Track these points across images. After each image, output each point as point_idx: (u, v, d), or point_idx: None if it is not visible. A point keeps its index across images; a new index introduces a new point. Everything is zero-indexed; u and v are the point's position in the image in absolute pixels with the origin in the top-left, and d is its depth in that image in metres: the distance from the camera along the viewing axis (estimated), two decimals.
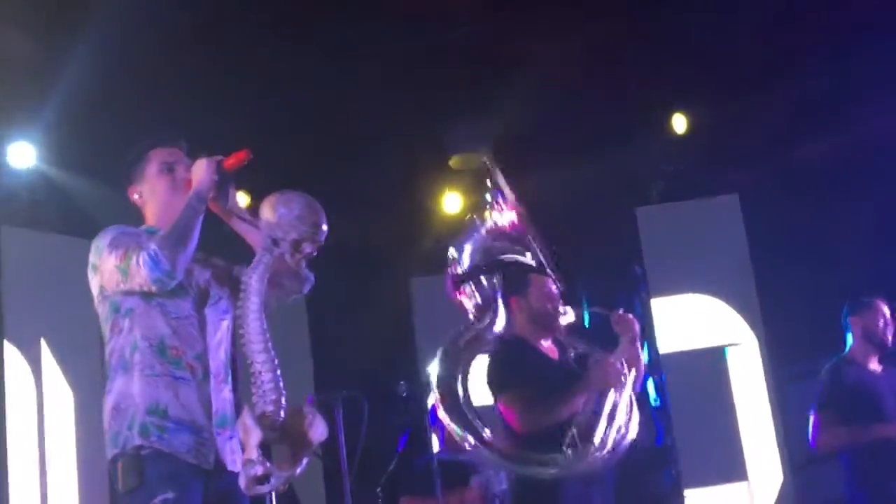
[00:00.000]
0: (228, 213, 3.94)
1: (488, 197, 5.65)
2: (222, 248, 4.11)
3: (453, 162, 9.32)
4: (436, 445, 7.02)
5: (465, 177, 9.60)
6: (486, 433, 5.39)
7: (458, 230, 9.81)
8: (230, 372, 4.00)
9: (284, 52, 7.82)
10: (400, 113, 8.57)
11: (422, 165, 9.34)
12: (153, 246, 3.72)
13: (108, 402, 3.85)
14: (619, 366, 5.34)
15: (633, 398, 5.42)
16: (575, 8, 7.93)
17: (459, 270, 5.66)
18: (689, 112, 9.14)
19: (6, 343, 8.00)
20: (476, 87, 8.68)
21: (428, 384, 7.34)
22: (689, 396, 8.86)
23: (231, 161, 3.85)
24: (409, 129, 8.69)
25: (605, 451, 5.24)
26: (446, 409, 5.51)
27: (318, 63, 7.99)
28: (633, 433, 5.36)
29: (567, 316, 5.55)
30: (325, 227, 3.67)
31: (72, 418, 8.26)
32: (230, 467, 3.85)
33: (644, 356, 5.54)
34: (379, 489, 7.59)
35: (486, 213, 5.63)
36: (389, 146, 8.73)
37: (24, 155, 8.22)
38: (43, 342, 8.23)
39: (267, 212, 3.65)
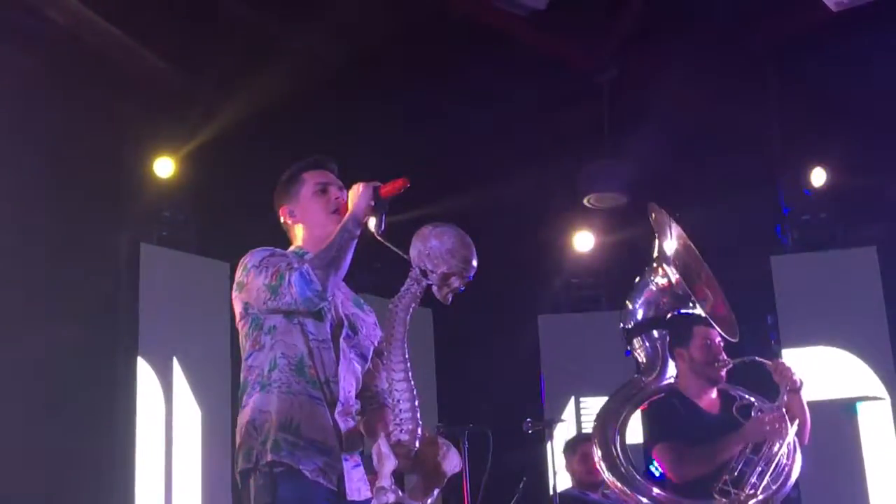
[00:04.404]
0: (379, 240, 3.95)
1: (655, 253, 5.71)
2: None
3: (587, 201, 9.30)
4: (561, 482, 7.01)
5: (596, 216, 9.60)
6: (642, 483, 5.46)
7: (588, 269, 10.06)
8: (357, 404, 4.01)
9: (423, 91, 7.94)
10: (534, 152, 8.63)
11: (553, 204, 9.35)
12: (306, 265, 3.76)
13: (244, 418, 3.86)
14: (777, 416, 5.28)
15: (796, 447, 5.36)
16: (717, 58, 7.94)
17: (630, 325, 5.79)
18: (828, 164, 9.01)
19: (140, 359, 8.15)
20: (612, 130, 8.73)
21: (551, 422, 7.38)
22: (818, 449, 8.63)
23: (388, 188, 3.85)
24: (543, 167, 8.72)
25: (757, 501, 5.19)
26: (603, 460, 5.59)
27: (455, 102, 8.10)
28: (791, 481, 5.31)
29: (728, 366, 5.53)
30: (475, 263, 3.62)
31: (199, 435, 8.39)
32: (352, 495, 3.84)
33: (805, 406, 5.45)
34: None
35: (656, 269, 5.71)
36: (522, 184, 8.76)
37: (166, 169, 8.38)
38: (175, 360, 8.37)
39: (418, 242, 3.61)
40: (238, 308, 4.00)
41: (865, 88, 7.94)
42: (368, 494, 3.90)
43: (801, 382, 5.43)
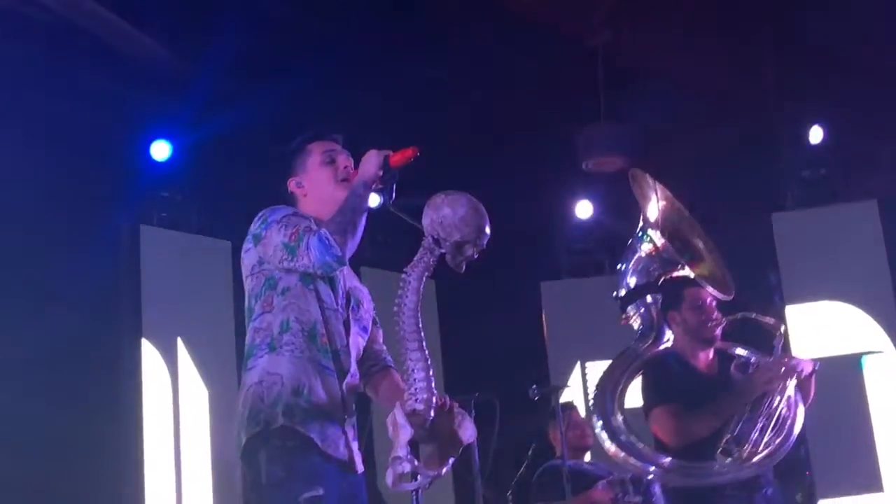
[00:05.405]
0: (389, 209, 3.91)
1: (641, 219, 5.73)
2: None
3: (586, 166, 9.28)
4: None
5: (596, 180, 9.58)
6: (645, 449, 5.47)
7: (590, 233, 10.06)
8: (357, 374, 3.97)
9: (419, 61, 7.91)
10: (531, 119, 8.60)
11: (554, 170, 9.33)
12: (323, 229, 3.70)
13: (251, 379, 3.77)
14: (774, 371, 5.27)
15: (798, 400, 5.37)
16: (712, 16, 7.91)
17: (622, 293, 5.80)
18: (827, 119, 8.99)
19: (144, 341, 8.15)
20: (608, 94, 8.71)
21: (557, 387, 7.36)
22: (824, 405, 8.61)
23: (397, 157, 3.81)
24: (543, 133, 8.70)
25: (761, 456, 5.20)
26: (605, 431, 5.61)
27: (454, 71, 8.07)
28: (794, 435, 5.33)
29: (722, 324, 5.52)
30: (488, 231, 3.57)
31: (206, 414, 8.39)
32: (356, 467, 3.84)
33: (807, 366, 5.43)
34: (509, 493, 7.57)
35: (644, 235, 5.70)
36: (522, 150, 8.74)
37: (163, 152, 8.40)
38: (179, 340, 8.37)
39: (431, 211, 3.56)
40: (250, 261, 3.91)
41: (863, 42, 7.91)
42: (363, 467, 3.90)
43: (811, 368, 5.41)
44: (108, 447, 7.64)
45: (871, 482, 8.64)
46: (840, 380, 8.72)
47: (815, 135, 9.10)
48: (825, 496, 8.66)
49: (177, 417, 8.26)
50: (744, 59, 8.38)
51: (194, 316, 8.45)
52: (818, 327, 8.90)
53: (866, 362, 8.88)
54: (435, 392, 3.55)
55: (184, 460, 8.21)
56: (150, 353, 8.19)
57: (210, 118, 8.03)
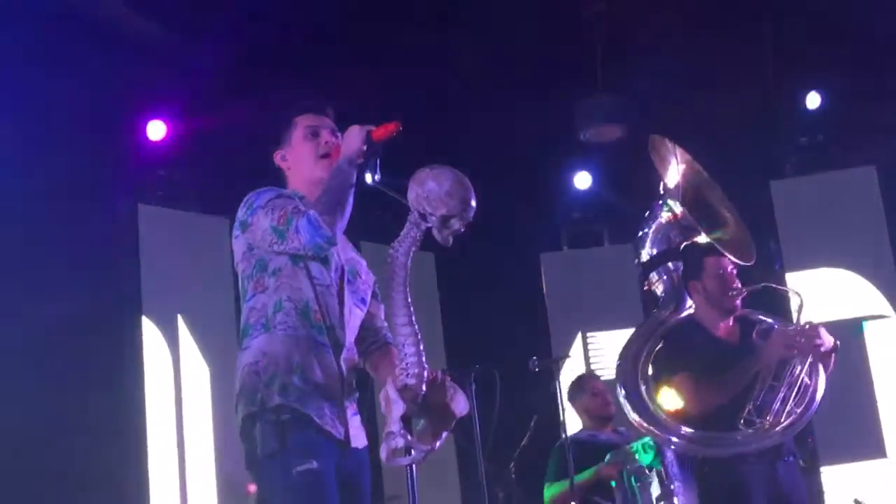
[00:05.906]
0: (377, 186, 3.90)
1: (661, 186, 5.73)
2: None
3: (583, 136, 9.26)
4: (572, 424, 7.01)
5: (594, 151, 9.56)
6: (668, 419, 5.44)
7: (589, 204, 10.05)
8: (355, 349, 3.99)
9: (418, 30, 7.89)
10: (528, 89, 8.57)
11: (552, 141, 9.30)
12: (312, 211, 3.71)
13: (245, 359, 3.81)
14: (793, 337, 5.27)
15: (819, 368, 5.36)
16: None
17: (645, 260, 5.80)
18: (825, 85, 8.96)
19: (144, 319, 8.15)
20: (605, 63, 8.68)
21: (557, 359, 7.35)
22: None
23: (380, 132, 3.79)
24: (541, 104, 8.67)
25: (784, 426, 5.21)
26: (628, 401, 5.60)
27: (453, 40, 8.04)
28: (815, 403, 5.33)
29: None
30: (474, 204, 3.55)
31: (208, 392, 8.40)
32: (354, 443, 3.85)
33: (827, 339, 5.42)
34: (512, 465, 7.59)
35: (664, 203, 5.72)
36: (520, 121, 8.72)
37: (159, 132, 8.38)
38: (180, 318, 8.37)
39: (416, 186, 3.54)
40: (240, 248, 3.94)
41: (861, 7, 7.87)
42: (366, 442, 3.93)
43: (831, 345, 5.40)
44: (110, 426, 7.63)
45: (874, 448, 8.65)
46: (841, 346, 8.68)
47: (813, 101, 9.08)
48: (827, 463, 8.66)
49: (178, 395, 8.26)
50: (741, 26, 8.33)
51: (194, 293, 8.44)
52: (818, 294, 8.87)
53: (867, 328, 8.87)
54: (426, 366, 3.55)
55: (186, 437, 8.22)
56: (150, 332, 8.19)
57: (206, 97, 8.02)
